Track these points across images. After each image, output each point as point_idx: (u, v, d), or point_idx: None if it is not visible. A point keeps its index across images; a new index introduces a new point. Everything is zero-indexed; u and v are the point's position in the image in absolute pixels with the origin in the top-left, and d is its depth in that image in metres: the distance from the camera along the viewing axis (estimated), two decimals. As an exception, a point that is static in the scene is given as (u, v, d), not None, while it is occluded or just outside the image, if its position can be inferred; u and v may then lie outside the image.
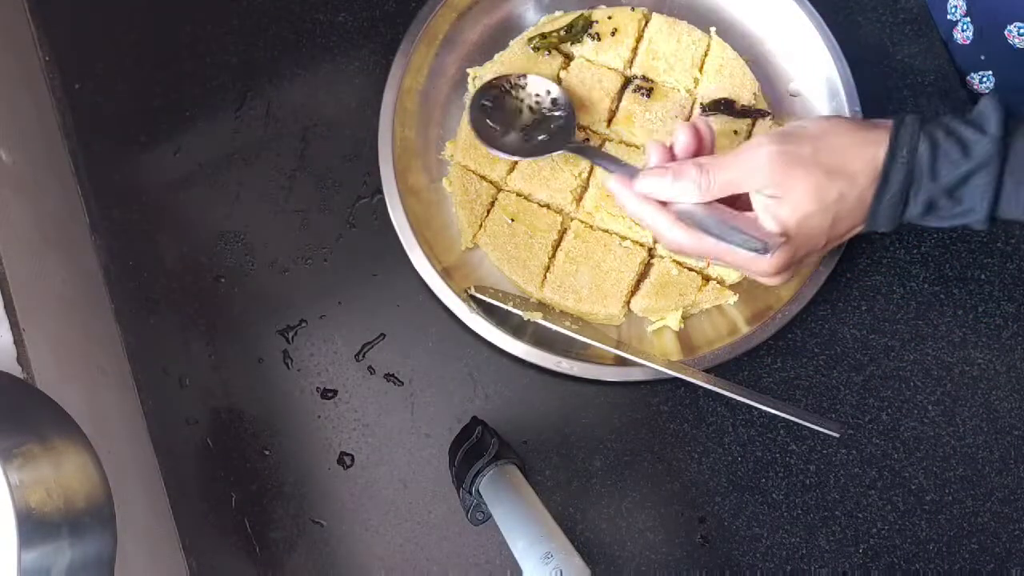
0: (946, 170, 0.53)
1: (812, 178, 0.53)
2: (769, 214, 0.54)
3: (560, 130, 0.70)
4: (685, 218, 0.56)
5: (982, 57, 0.77)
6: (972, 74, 0.78)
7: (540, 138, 0.69)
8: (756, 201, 0.55)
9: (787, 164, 0.53)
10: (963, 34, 0.77)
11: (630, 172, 0.59)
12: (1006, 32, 0.72)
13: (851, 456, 0.69)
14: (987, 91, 0.79)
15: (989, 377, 0.71)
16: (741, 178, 0.54)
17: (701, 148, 0.58)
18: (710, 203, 0.56)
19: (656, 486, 0.69)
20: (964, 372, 0.71)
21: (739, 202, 0.57)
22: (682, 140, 0.58)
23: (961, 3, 0.76)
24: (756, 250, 0.54)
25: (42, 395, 0.55)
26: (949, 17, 0.78)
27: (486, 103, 0.71)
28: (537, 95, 0.72)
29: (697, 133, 0.58)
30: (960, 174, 0.53)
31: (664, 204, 0.57)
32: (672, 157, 0.59)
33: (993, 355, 0.71)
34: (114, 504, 0.53)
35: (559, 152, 0.69)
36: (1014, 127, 0.53)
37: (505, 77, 0.73)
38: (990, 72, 0.77)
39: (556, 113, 0.70)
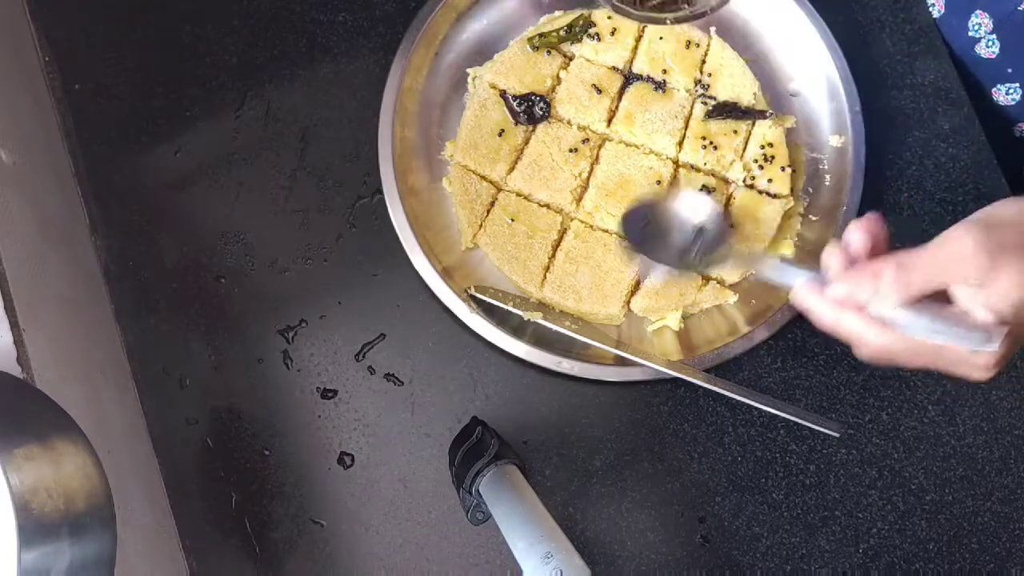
0: None
1: (1022, 263, 0.49)
2: (979, 304, 0.50)
3: (719, 253, 0.63)
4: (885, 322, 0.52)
5: (1009, 70, 0.77)
6: (998, 86, 0.78)
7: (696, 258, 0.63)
8: (961, 293, 0.50)
9: (993, 252, 0.49)
10: (988, 50, 0.77)
11: (815, 279, 0.54)
12: None
13: (851, 456, 0.69)
14: (1012, 102, 0.79)
15: (989, 377, 0.71)
16: (944, 272, 0.50)
17: (875, 248, 0.54)
18: (914, 302, 0.51)
19: (656, 486, 0.69)
20: (964, 372, 0.71)
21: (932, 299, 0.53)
22: (857, 240, 0.53)
23: (987, 21, 0.76)
24: (981, 341, 0.50)
25: (42, 395, 0.55)
26: (971, 34, 0.78)
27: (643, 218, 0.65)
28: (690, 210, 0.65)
29: (870, 232, 0.54)
30: None
31: (860, 310, 0.52)
32: (851, 259, 0.54)
33: (993, 355, 0.71)
34: (114, 504, 0.53)
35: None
36: None
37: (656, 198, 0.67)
38: (1017, 84, 0.77)
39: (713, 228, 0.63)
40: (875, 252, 0.53)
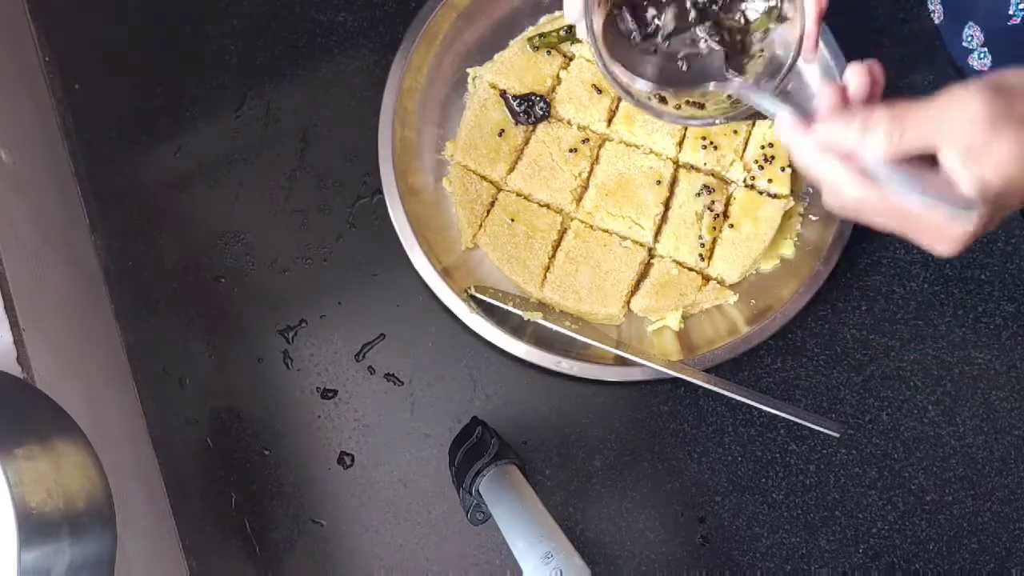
0: None
1: (1022, 139, 0.46)
2: (968, 173, 0.47)
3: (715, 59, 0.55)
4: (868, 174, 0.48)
5: None
6: None
7: (686, 64, 0.55)
8: (950, 158, 0.47)
9: (999, 120, 0.46)
10: (980, 61, 0.77)
11: (802, 116, 0.49)
12: None
13: (851, 456, 0.69)
14: None
15: (989, 377, 0.71)
16: (939, 131, 0.47)
17: (873, 94, 0.51)
18: (900, 159, 0.48)
19: (656, 486, 0.69)
20: (964, 372, 0.71)
21: (918, 162, 0.50)
22: (857, 83, 0.50)
23: (979, 34, 0.76)
24: (959, 210, 0.46)
25: (42, 395, 0.55)
26: (964, 44, 0.78)
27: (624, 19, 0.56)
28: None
29: (872, 76, 0.50)
30: None
31: (846, 157, 0.49)
32: (846, 102, 0.51)
33: (993, 355, 0.71)
34: (114, 504, 0.53)
35: (708, 87, 0.54)
36: None
37: None
38: None
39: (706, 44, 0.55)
40: (871, 99, 0.50)
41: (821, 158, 0.49)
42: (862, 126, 0.47)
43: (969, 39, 0.77)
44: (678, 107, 0.56)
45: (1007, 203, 0.48)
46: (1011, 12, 0.72)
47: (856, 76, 0.50)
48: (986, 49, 0.76)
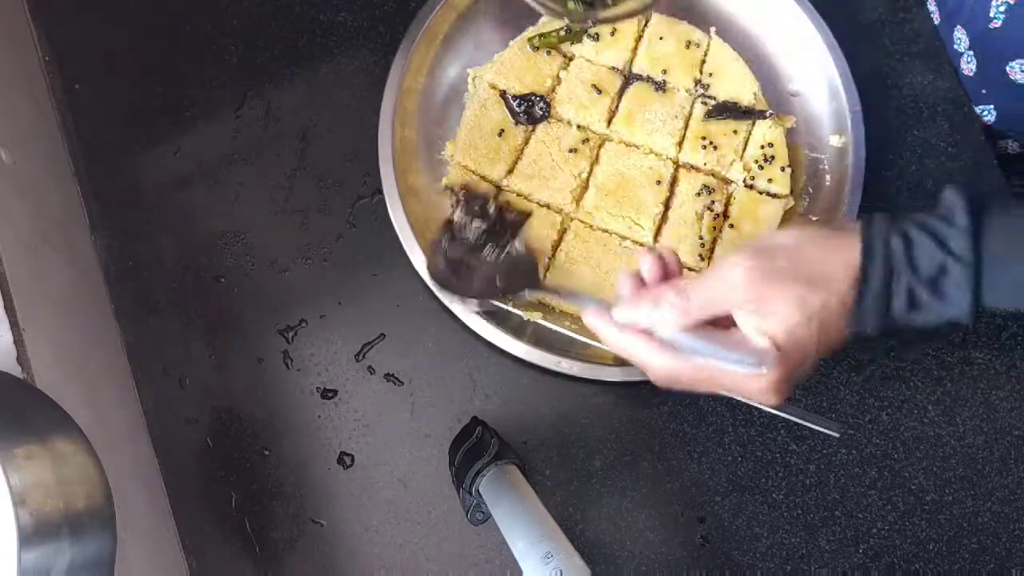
0: (923, 261, 0.52)
1: (792, 289, 0.52)
2: (756, 330, 0.52)
3: (529, 272, 0.63)
4: (670, 346, 0.54)
5: (983, 91, 0.77)
6: (978, 106, 0.78)
7: (504, 281, 0.62)
8: (740, 318, 0.53)
9: (765, 279, 0.52)
10: (968, 66, 0.77)
11: (605, 305, 0.56)
12: (1008, 68, 0.72)
13: (851, 456, 0.69)
14: (990, 123, 0.79)
15: (989, 377, 0.71)
16: (721, 296, 0.53)
17: (669, 274, 0.57)
18: (694, 327, 0.53)
19: (656, 486, 0.69)
20: (964, 372, 0.71)
21: (720, 324, 0.55)
22: (647, 267, 0.56)
23: (964, 37, 0.76)
24: (752, 365, 0.52)
25: (42, 395, 0.56)
26: (955, 47, 0.78)
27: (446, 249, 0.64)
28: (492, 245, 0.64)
29: (661, 260, 0.57)
30: (937, 264, 0.52)
31: (647, 334, 0.54)
32: (643, 285, 0.57)
33: (993, 355, 0.71)
34: (114, 504, 0.53)
35: (527, 295, 0.62)
36: (980, 219, 0.52)
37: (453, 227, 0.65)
38: (992, 106, 0.77)
39: (516, 255, 0.63)
40: (668, 279, 0.56)
41: (623, 337, 0.54)
42: (652, 304, 0.53)
43: (958, 42, 0.77)
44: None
45: (802, 346, 0.52)
46: (992, 15, 0.72)
47: (647, 263, 0.56)
48: (972, 52, 0.76)
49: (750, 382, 0.53)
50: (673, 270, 0.56)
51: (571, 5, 0.67)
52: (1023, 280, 0.52)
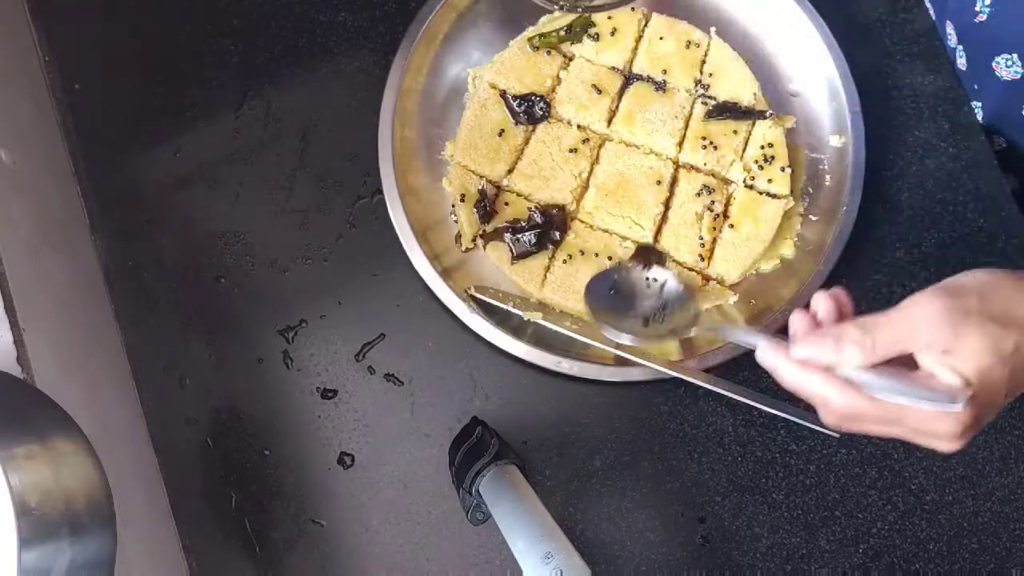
0: None
1: (985, 331, 0.50)
2: (946, 369, 0.50)
3: (683, 317, 0.65)
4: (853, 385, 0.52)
5: (975, 86, 0.76)
6: (972, 102, 0.78)
7: (661, 324, 0.65)
8: (926, 360, 0.51)
9: (957, 318, 0.50)
10: (960, 60, 0.77)
11: (780, 341, 0.55)
12: (994, 64, 0.72)
13: (851, 456, 0.69)
14: (982, 119, 0.79)
15: (989, 377, 0.70)
16: (908, 336, 0.51)
17: (843, 315, 0.55)
18: (877, 366, 0.51)
19: (656, 486, 0.69)
20: (964, 372, 0.71)
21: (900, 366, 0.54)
22: (824, 307, 0.55)
23: (953, 32, 0.76)
24: (945, 402, 0.49)
25: (42, 395, 0.55)
26: (948, 43, 0.78)
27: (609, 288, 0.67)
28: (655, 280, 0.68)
29: (836, 300, 0.55)
30: None
31: (827, 372, 0.52)
32: (817, 325, 0.55)
33: (993, 355, 0.71)
34: (114, 504, 0.53)
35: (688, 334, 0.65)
36: None
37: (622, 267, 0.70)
38: (979, 104, 0.77)
39: (677, 302, 0.66)
40: (841, 320, 0.54)
41: (803, 375, 0.53)
42: (835, 341, 0.51)
43: (950, 37, 0.77)
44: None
45: (993, 390, 0.51)
46: (977, 8, 0.71)
47: (823, 302, 0.55)
48: (961, 47, 0.76)
49: (940, 423, 0.51)
50: (848, 311, 0.55)
51: None
52: None
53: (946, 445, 0.52)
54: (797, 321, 0.55)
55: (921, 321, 0.51)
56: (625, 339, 0.63)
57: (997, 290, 0.52)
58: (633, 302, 0.66)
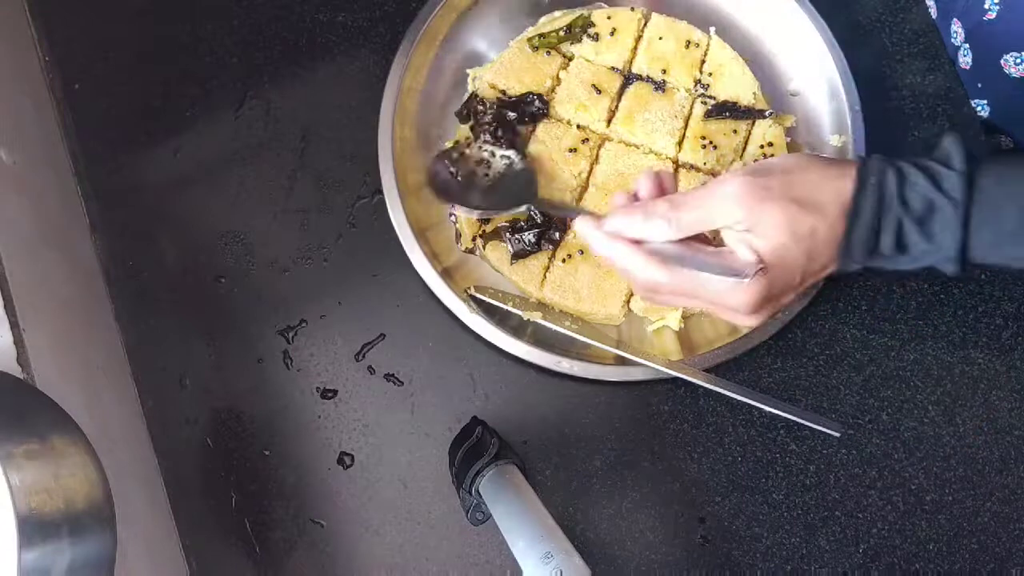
0: (915, 197, 0.53)
1: (784, 210, 0.52)
2: (743, 245, 0.53)
3: (526, 185, 0.69)
4: (657, 256, 0.55)
5: (979, 85, 0.76)
6: (973, 100, 0.78)
7: (501, 195, 0.68)
8: (728, 236, 0.54)
9: (758, 197, 0.52)
10: (964, 59, 0.77)
11: (596, 216, 0.58)
12: (1002, 61, 0.72)
13: (851, 456, 0.69)
14: (984, 118, 0.79)
15: (989, 377, 0.71)
16: (712, 213, 0.53)
17: (664, 194, 0.58)
18: (682, 241, 0.55)
19: (656, 486, 0.69)
20: (964, 372, 0.71)
21: (709, 243, 0.57)
22: (646, 187, 0.57)
23: (960, 30, 0.76)
24: (735, 275, 0.52)
25: (42, 395, 0.55)
26: (952, 40, 0.78)
27: (447, 166, 0.70)
28: (496, 158, 0.71)
29: (660, 183, 0.58)
30: (928, 201, 0.52)
31: (635, 244, 0.56)
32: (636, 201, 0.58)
33: (993, 355, 0.71)
34: (114, 504, 0.53)
35: (523, 207, 0.68)
36: (978, 165, 0.53)
37: (460, 145, 0.72)
38: (985, 101, 0.77)
39: (517, 169, 0.70)
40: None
41: (611, 245, 0.56)
42: (644, 215, 0.54)
43: (955, 35, 0.77)
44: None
45: (787, 266, 0.53)
46: (987, 7, 0.72)
47: (645, 182, 0.57)
48: (968, 45, 0.76)
49: (733, 295, 0.54)
50: (669, 190, 0.57)
51: None
52: (1011, 230, 0.52)
53: (743, 318, 0.56)
54: (617, 198, 0.58)
55: (724, 200, 0.53)
56: (461, 211, 0.69)
57: (803, 174, 0.54)
58: (473, 179, 0.69)
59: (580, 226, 0.57)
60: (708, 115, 0.74)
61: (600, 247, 0.56)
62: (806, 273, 0.55)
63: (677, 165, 0.74)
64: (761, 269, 0.53)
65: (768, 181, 0.53)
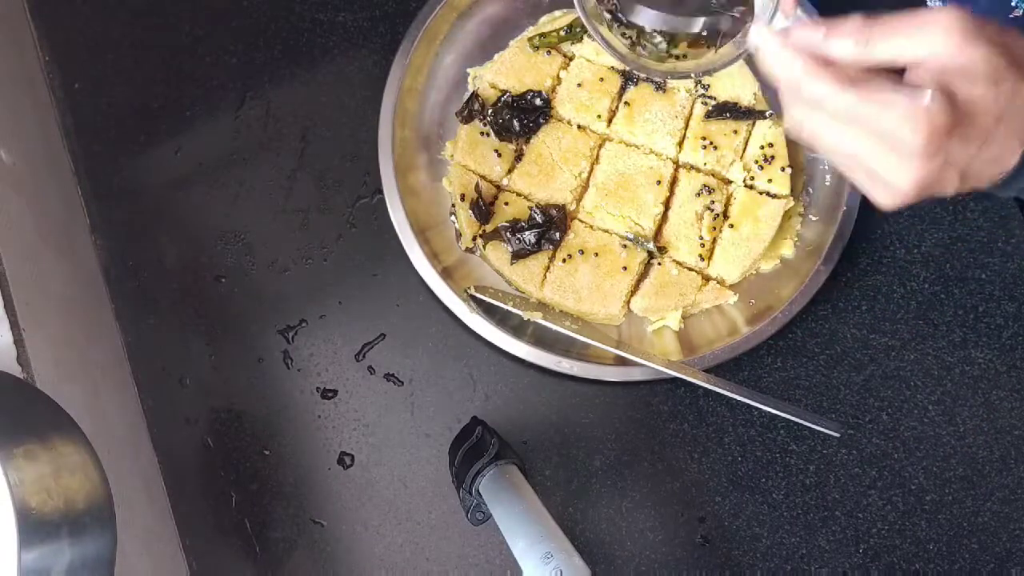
0: None
1: (994, 58, 0.44)
2: (931, 77, 0.45)
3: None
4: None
5: None
6: None
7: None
8: (915, 75, 0.46)
9: (970, 35, 0.44)
10: None
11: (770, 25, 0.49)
12: None
13: (851, 456, 0.69)
14: None
15: (989, 377, 0.71)
16: (913, 39, 0.45)
17: None
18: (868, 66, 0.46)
19: (656, 486, 0.69)
20: (964, 372, 0.71)
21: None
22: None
23: None
24: (915, 95, 0.44)
25: (42, 395, 0.55)
26: None
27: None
28: None
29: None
30: None
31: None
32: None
33: (993, 355, 0.71)
34: (114, 504, 0.53)
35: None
36: None
37: None
38: None
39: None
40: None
41: (786, 55, 0.47)
42: (830, 29, 0.46)
43: None
44: (661, 60, 0.57)
45: (979, 112, 0.45)
46: (1013, 4, 0.71)
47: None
48: None
49: (906, 124, 0.45)
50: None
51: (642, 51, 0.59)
52: None
53: (905, 165, 0.46)
54: (800, 20, 0.49)
55: (931, 28, 0.45)
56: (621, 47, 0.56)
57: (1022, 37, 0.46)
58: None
59: (758, 34, 0.49)
60: (708, 115, 0.74)
61: (772, 53, 0.48)
62: (986, 142, 0.46)
63: (677, 165, 0.74)
64: (945, 97, 0.44)
65: (988, 25, 0.45)
